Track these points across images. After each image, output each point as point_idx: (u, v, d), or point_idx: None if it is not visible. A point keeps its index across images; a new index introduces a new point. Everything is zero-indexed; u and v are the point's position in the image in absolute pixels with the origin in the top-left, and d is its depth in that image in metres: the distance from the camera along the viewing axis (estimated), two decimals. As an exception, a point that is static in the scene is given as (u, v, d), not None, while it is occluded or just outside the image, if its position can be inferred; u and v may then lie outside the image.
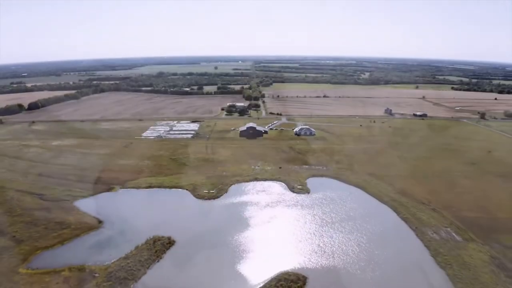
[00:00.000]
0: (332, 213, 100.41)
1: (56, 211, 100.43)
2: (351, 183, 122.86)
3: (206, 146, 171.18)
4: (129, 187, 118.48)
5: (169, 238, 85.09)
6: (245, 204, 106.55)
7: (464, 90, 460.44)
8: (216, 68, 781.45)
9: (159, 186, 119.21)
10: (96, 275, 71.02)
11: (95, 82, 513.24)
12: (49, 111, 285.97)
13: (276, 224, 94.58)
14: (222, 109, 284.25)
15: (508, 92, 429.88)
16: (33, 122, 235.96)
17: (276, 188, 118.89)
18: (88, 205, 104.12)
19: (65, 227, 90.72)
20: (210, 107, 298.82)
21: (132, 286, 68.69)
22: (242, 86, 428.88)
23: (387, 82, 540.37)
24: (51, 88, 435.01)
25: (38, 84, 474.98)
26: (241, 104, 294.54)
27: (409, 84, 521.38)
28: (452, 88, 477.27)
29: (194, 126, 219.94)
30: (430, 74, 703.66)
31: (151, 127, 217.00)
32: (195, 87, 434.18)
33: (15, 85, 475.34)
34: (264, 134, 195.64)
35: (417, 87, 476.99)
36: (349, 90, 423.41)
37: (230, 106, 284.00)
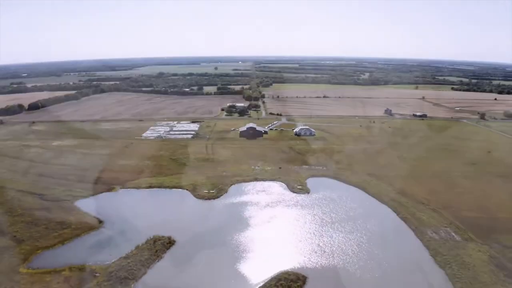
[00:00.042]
0: (332, 213, 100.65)
1: (56, 211, 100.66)
2: (351, 183, 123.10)
3: (206, 147, 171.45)
4: (129, 187, 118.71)
5: (169, 238, 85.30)
6: (245, 204, 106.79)
7: (464, 90, 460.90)
8: (216, 68, 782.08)
9: (160, 186, 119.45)
10: (97, 274, 71.22)
11: (95, 82, 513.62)
12: (50, 111, 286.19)
13: (276, 224, 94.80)
14: (222, 110, 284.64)
15: (508, 93, 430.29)
16: (34, 122, 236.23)
17: (276, 188, 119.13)
18: (89, 205, 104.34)
19: (66, 227, 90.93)
20: (210, 107, 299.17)
21: (132, 285, 68.90)
22: (242, 87, 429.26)
23: (387, 83, 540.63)
24: (51, 88, 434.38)
25: (38, 84, 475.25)
26: (241, 104, 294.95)
27: (409, 84, 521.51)
28: (452, 89, 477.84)
29: (194, 127, 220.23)
30: (430, 74, 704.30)
31: (151, 128, 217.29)
32: (195, 88, 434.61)
33: (15, 86, 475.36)
34: (264, 135, 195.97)
35: (417, 88, 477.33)
36: (349, 90, 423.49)
37: (230, 106, 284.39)
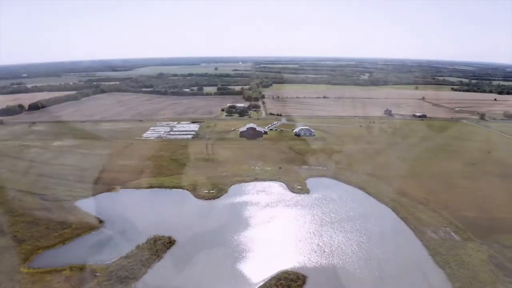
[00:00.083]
0: (332, 213, 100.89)
1: (57, 211, 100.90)
2: (350, 183, 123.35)
3: (206, 147, 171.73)
4: (129, 187, 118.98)
5: (169, 237, 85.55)
6: (245, 204, 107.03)
7: (464, 91, 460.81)
8: (216, 69, 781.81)
9: (160, 186, 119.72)
10: (97, 274, 71.46)
11: (95, 82, 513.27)
12: (50, 111, 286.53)
13: (276, 224, 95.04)
14: (222, 110, 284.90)
15: (508, 93, 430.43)
16: (34, 122, 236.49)
17: (276, 188, 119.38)
18: (89, 205, 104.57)
19: (66, 227, 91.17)
20: (210, 108, 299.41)
21: (133, 285, 69.13)
22: (242, 87, 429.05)
23: (386, 83, 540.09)
24: (52, 88, 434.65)
25: (38, 84, 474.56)
26: (241, 105, 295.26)
27: (409, 85, 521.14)
28: (452, 89, 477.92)
29: (194, 127, 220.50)
30: (430, 75, 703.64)
31: (152, 128, 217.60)
32: (195, 88, 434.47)
33: (15, 86, 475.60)
34: (264, 135, 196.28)
35: (416, 88, 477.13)
36: (348, 90, 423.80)
37: (230, 107, 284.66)
